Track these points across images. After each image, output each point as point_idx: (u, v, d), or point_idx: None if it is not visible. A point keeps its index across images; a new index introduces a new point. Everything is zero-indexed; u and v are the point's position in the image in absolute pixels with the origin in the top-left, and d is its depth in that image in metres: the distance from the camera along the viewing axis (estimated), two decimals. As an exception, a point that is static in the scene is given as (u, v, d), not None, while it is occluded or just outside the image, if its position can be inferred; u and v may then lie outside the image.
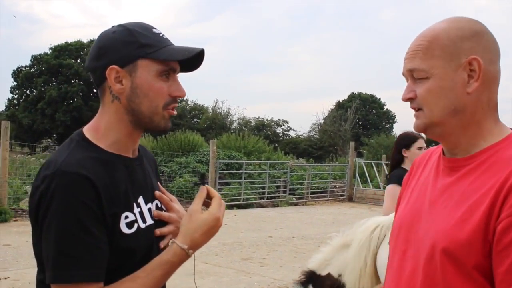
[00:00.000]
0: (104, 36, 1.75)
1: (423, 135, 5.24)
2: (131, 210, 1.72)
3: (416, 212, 1.64)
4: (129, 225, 1.70)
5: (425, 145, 5.18)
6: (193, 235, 1.74)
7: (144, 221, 1.76)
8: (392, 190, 4.94)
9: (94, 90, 52.85)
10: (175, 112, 1.79)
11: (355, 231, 4.91)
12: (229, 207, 18.53)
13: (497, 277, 1.36)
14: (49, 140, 54.19)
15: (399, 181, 4.91)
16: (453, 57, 1.51)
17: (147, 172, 1.89)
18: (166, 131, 1.81)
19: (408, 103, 1.61)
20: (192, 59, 1.75)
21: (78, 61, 52.80)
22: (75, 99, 51.23)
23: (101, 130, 1.74)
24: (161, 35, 1.76)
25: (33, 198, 1.62)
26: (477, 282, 1.42)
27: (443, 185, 1.58)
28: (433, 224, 1.53)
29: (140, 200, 1.77)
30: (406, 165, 5.17)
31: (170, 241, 1.77)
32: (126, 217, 1.70)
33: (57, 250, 1.55)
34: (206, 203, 1.85)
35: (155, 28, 1.78)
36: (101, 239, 1.61)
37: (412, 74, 1.57)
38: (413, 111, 1.62)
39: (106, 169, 1.67)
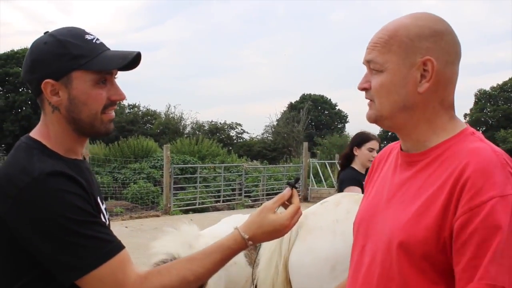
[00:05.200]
0: (36, 47, 1.72)
1: (375, 136, 5.10)
2: (100, 210, 1.76)
3: (375, 207, 1.66)
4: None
5: (377, 147, 5.00)
6: (255, 230, 1.76)
7: (106, 220, 1.79)
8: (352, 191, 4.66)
9: (43, 98, 51.67)
10: (113, 114, 1.79)
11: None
12: (185, 211, 18.40)
13: (456, 275, 1.39)
14: (-2, 150, 52.79)
15: (353, 183, 4.77)
16: (409, 55, 1.52)
17: (93, 173, 1.91)
18: (108, 134, 1.81)
19: (360, 101, 1.65)
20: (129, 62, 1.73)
21: (26, 69, 51.49)
22: (24, 108, 49.91)
23: (52, 138, 1.73)
24: (94, 40, 1.73)
25: (13, 210, 1.56)
26: (427, 274, 1.45)
27: (400, 180, 1.61)
28: (390, 219, 1.55)
29: (98, 200, 1.78)
30: (356, 164, 5.06)
31: (234, 227, 1.78)
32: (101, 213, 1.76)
33: (81, 238, 1.57)
34: (285, 206, 1.83)
35: (88, 34, 1.75)
36: (101, 220, 1.70)
37: (369, 65, 1.59)
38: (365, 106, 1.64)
39: (76, 172, 1.68)
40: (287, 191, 1.83)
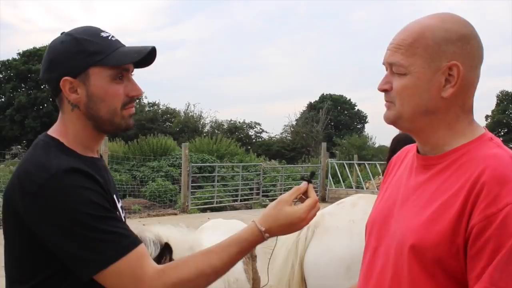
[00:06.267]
0: (53, 47, 1.76)
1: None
2: (116, 207, 1.78)
3: (388, 209, 1.65)
4: None
5: None
6: (271, 222, 1.75)
7: (122, 217, 1.81)
8: None
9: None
10: (133, 110, 1.81)
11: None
12: (202, 210, 18.46)
13: (471, 281, 1.38)
14: (19, 147, 53.22)
15: None
16: (434, 59, 1.50)
17: (109, 171, 1.94)
18: (129, 129, 1.84)
19: (380, 101, 1.62)
20: (144, 57, 1.76)
21: (47, 66, 51.90)
22: (45, 105, 50.40)
23: (70, 136, 1.76)
24: (109, 37, 1.77)
25: (32, 206, 1.59)
26: (438, 280, 1.44)
27: (415, 183, 1.59)
28: (403, 222, 1.54)
29: (115, 197, 1.80)
30: None
31: (251, 220, 1.78)
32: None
33: (99, 233, 1.59)
34: (302, 200, 1.81)
35: (103, 32, 1.78)
36: (118, 216, 1.73)
37: (391, 67, 1.57)
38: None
39: (93, 169, 1.71)
40: (303, 184, 1.81)
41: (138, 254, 1.64)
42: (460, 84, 1.50)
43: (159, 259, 2.89)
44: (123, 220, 1.80)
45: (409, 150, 1.77)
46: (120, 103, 1.75)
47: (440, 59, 1.50)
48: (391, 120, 1.60)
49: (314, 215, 1.80)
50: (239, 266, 4.10)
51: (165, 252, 2.95)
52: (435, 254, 1.42)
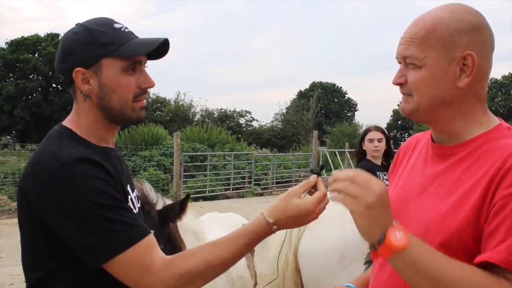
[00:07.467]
0: (67, 38, 1.78)
1: (375, 126, 5.42)
2: (127, 197, 1.78)
3: (404, 198, 1.66)
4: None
5: (378, 136, 5.26)
6: (279, 214, 1.73)
7: (134, 208, 1.82)
8: None
9: (54, 85, 51.92)
10: (145, 102, 1.82)
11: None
12: (195, 199, 18.47)
13: (484, 249, 1.40)
14: (8, 137, 52.98)
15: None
16: (449, 50, 1.51)
17: (124, 161, 1.94)
18: (140, 121, 1.86)
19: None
20: (157, 49, 1.76)
21: (36, 55, 51.68)
22: (34, 95, 50.16)
23: (83, 127, 1.78)
24: (122, 29, 1.78)
25: (42, 195, 1.61)
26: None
27: (433, 172, 1.61)
28: (425, 210, 1.56)
29: (128, 188, 1.81)
30: (369, 156, 5.31)
31: (260, 212, 1.77)
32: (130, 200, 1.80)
33: (107, 223, 1.60)
34: (311, 193, 1.79)
35: (116, 23, 1.79)
36: (128, 206, 1.74)
37: (405, 60, 1.58)
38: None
39: (104, 159, 1.72)
40: (312, 177, 1.80)
41: (146, 244, 1.65)
42: (475, 74, 1.51)
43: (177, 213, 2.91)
44: (135, 210, 1.81)
45: (419, 138, 1.79)
46: (131, 95, 1.76)
47: (454, 50, 1.51)
48: (408, 113, 1.62)
49: (324, 208, 1.78)
50: (243, 263, 4.05)
51: (185, 202, 2.97)
52: (461, 239, 1.44)
